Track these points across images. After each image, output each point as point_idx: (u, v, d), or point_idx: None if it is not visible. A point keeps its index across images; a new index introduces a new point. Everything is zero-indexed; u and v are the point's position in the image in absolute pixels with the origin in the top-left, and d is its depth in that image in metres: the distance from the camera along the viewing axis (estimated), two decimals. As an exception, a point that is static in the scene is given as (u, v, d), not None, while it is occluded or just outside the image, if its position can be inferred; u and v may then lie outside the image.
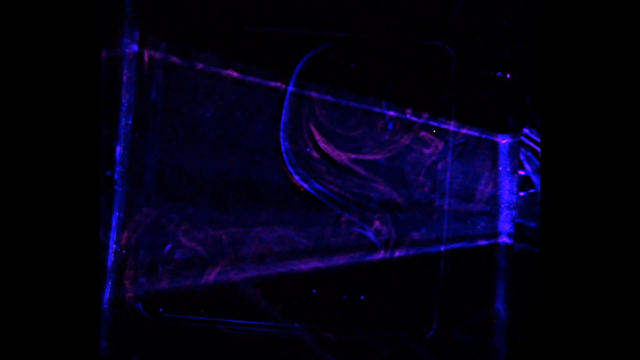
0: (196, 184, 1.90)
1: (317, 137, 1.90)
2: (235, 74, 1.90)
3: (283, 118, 1.90)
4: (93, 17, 1.51)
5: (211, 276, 1.88)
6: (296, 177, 1.90)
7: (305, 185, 1.90)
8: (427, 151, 1.91)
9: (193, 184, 1.90)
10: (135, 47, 1.88)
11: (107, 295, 1.86)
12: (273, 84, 1.90)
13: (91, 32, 1.51)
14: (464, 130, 1.89)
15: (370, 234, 1.89)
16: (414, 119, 1.90)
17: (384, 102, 1.87)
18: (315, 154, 1.90)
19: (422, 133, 1.90)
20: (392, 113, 1.90)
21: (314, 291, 1.89)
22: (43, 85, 1.46)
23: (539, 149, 1.84)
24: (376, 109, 1.90)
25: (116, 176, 1.86)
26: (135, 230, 1.88)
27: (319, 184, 1.90)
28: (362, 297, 1.89)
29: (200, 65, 1.89)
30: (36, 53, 1.47)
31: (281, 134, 1.90)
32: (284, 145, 1.90)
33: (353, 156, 1.90)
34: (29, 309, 1.42)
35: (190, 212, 1.89)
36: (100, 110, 1.56)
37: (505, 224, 1.88)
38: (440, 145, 1.91)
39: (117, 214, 1.87)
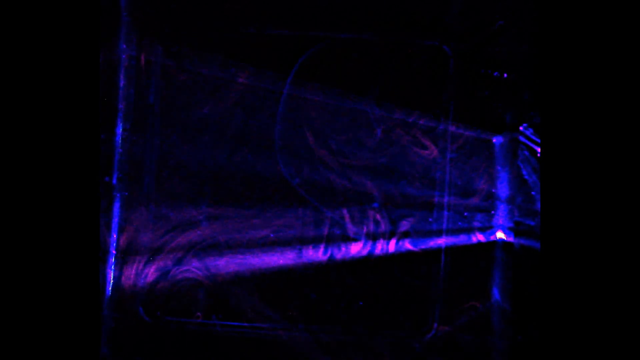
0: (194, 186, 1.90)
1: (311, 140, 1.90)
2: (232, 77, 1.90)
3: (278, 120, 1.90)
4: (93, 22, 1.51)
5: (208, 278, 1.89)
6: (291, 181, 1.90)
7: (300, 189, 1.90)
8: (424, 152, 1.91)
9: (191, 187, 1.90)
10: (132, 52, 1.87)
11: (107, 299, 1.86)
12: (270, 85, 1.90)
13: (90, 36, 1.51)
14: (461, 131, 1.89)
15: (363, 239, 1.89)
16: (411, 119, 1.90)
17: (374, 107, 1.87)
18: (309, 157, 1.90)
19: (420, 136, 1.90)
20: (379, 113, 1.90)
21: (312, 296, 1.89)
22: (42, 90, 1.46)
23: (537, 148, 1.84)
24: (372, 112, 1.90)
25: (114, 181, 1.86)
26: (135, 234, 1.88)
27: (313, 187, 1.90)
28: (360, 303, 1.89)
29: (197, 68, 1.89)
30: (35, 58, 1.47)
31: (276, 137, 1.90)
32: (279, 148, 1.90)
33: (347, 159, 1.90)
34: (29, 314, 1.42)
35: (188, 215, 1.89)
36: (99, 116, 1.56)
37: (504, 223, 1.88)
38: (438, 147, 1.91)
39: (116, 219, 1.87)
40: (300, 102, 1.90)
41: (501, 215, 1.89)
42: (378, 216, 1.90)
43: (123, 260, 1.87)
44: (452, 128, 1.90)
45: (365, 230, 1.90)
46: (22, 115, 1.45)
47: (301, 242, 1.90)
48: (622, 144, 1.45)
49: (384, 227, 1.90)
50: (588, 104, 1.47)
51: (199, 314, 1.88)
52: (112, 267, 1.87)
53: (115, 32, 1.85)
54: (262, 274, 1.89)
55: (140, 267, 1.88)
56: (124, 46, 1.87)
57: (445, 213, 1.90)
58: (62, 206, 1.45)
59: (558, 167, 1.47)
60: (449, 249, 1.90)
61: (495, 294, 1.87)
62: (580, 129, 1.46)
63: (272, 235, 1.89)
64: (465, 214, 1.90)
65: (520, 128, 1.85)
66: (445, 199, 1.90)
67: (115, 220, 1.87)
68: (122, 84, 1.87)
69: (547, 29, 1.52)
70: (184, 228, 1.89)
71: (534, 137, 1.85)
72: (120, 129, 1.87)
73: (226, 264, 1.89)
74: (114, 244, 1.87)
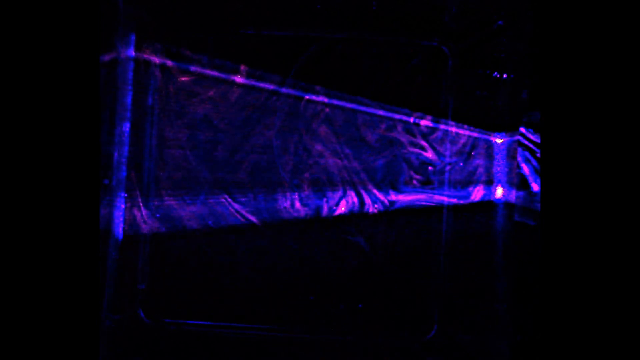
0: (194, 186, 1.90)
1: (310, 140, 1.90)
2: (231, 77, 1.90)
3: (276, 121, 1.90)
4: (92, 24, 1.51)
5: (207, 279, 1.89)
6: (290, 183, 1.90)
7: (297, 190, 1.90)
8: (423, 153, 1.91)
9: (190, 187, 1.90)
10: (130, 53, 1.87)
11: (106, 301, 1.86)
12: (269, 86, 1.90)
13: (90, 38, 1.51)
14: (462, 131, 1.89)
15: (361, 241, 1.89)
16: (416, 120, 1.90)
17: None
18: (307, 158, 1.91)
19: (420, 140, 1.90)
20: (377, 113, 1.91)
21: (311, 297, 1.89)
22: (42, 91, 1.46)
23: (536, 148, 1.84)
24: (370, 112, 1.91)
25: (114, 182, 1.86)
26: (134, 235, 1.88)
27: (312, 188, 1.91)
28: (359, 305, 1.89)
29: (196, 69, 1.89)
30: (35, 60, 1.47)
31: (274, 137, 1.90)
32: (277, 148, 1.90)
33: (346, 161, 1.91)
34: (28, 316, 1.42)
35: (186, 216, 1.89)
36: (99, 117, 1.56)
37: (503, 223, 1.89)
38: (436, 149, 1.91)
39: (116, 220, 1.87)
40: (299, 102, 1.90)
41: (502, 217, 1.89)
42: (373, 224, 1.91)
43: (122, 260, 1.87)
44: (451, 129, 1.90)
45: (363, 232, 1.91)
46: (22, 116, 1.45)
47: (301, 243, 1.90)
48: (622, 143, 1.45)
49: (383, 227, 1.90)
50: (588, 103, 1.47)
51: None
52: (112, 268, 1.87)
53: (114, 33, 1.85)
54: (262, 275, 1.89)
55: (140, 267, 1.88)
56: (122, 47, 1.87)
57: (445, 213, 1.90)
58: (62, 207, 1.45)
59: (558, 167, 1.47)
60: (449, 248, 1.90)
61: (495, 293, 1.87)
62: (580, 129, 1.47)
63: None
64: (464, 214, 1.90)
65: (520, 128, 1.86)
66: (444, 200, 1.90)
67: (115, 222, 1.87)
68: (121, 85, 1.87)
69: (546, 29, 1.52)
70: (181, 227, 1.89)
71: (533, 137, 1.85)
72: (120, 130, 1.87)
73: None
74: (114, 245, 1.87)
